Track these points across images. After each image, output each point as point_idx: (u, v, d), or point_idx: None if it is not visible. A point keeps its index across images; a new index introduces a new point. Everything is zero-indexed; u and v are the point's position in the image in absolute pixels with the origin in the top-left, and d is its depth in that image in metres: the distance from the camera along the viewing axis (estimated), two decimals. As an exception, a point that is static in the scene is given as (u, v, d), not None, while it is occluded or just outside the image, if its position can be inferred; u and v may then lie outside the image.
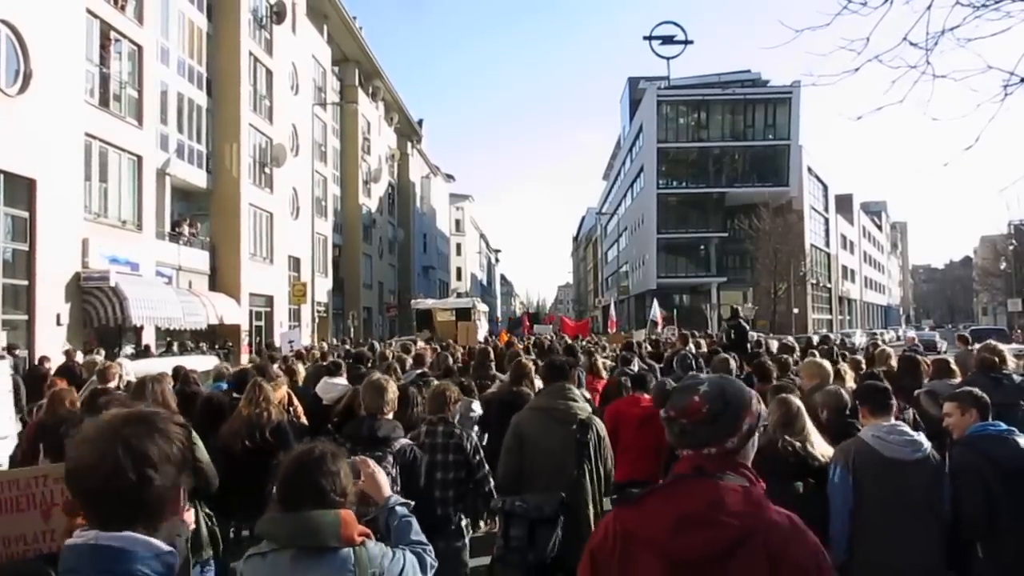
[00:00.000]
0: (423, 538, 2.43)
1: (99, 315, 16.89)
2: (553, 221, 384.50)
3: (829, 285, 62.39)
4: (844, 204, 73.49)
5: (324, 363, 9.13)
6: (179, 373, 7.46)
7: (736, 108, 52.64)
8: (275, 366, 8.47)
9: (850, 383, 5.47)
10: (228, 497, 4.31)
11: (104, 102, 18.35)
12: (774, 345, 12.63)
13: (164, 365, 8.79)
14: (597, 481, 4.13)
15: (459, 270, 79.12)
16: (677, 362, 9.28)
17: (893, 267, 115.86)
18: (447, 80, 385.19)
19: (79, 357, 12.43)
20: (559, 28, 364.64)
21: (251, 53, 25.94)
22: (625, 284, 61.06)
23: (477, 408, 5.93)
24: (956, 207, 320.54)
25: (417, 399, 4.74)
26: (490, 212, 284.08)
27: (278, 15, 28.39)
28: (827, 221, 64.38)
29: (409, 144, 54.67)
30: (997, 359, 5.68)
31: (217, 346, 20.79)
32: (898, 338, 41.82)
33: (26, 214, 15.31)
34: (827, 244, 63.46)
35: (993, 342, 6.35)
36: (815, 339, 18.40)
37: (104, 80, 18.45)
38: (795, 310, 47.47)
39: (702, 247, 54.12)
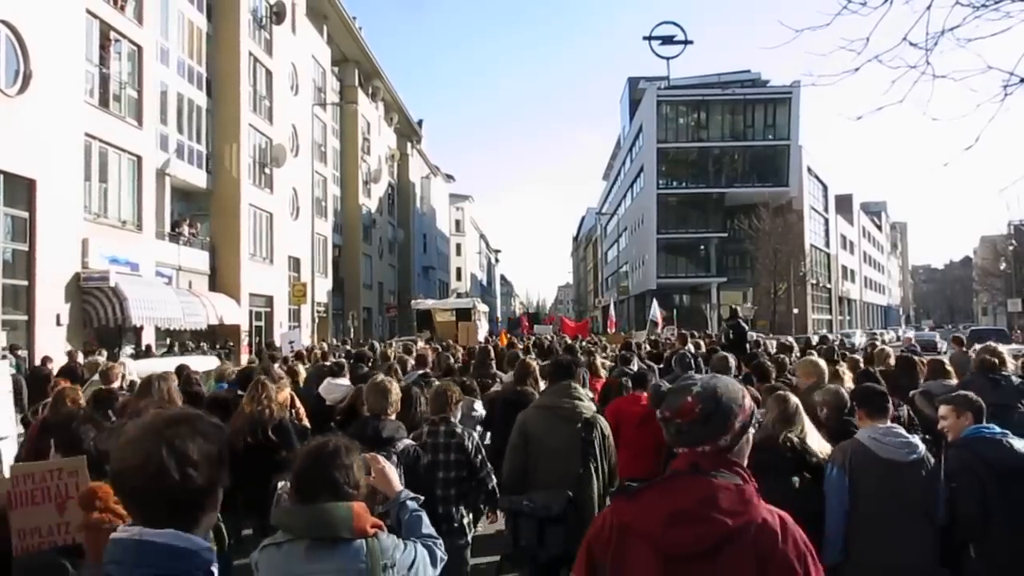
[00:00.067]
0: (433, 531, 2.47)
1: (99, 315, 16.89)
2: (553, 221, 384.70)
3: (829, 285, 62.40)
4: (844, 204, 73.50)
5: (325, 364, 9.18)
6: (181, 373, 7.46)
7: (736, 108, 52.64)
8: (275, 366, 8.48)
9: (848, 383, 5.48)
10: (231, 493, 4.30)
11: (104, 102, 18.35)
12: (772, 345, 12.64)
13: (166, 365, 8.81)
14: (602, 479, 4.17)
15: (459, 270, 79.14)
16: (676, 361, 9.27)
17: (893, 267, 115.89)
18: (447, 80, 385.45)
19: (80, 358, 12.45)
20: (559, 28, 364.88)
21: (251, 53, 25.95)
22: (625, 284, 61.06)
23: (479, 407, 5.95)
24: (956, 207, 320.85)
25: (420, 400, 4.78)
26: (490, 212, 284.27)
27: (278, 15, 28.39)
28: (827, 221, 64.39)
29: (409, 144, 54.67)
30: (997, 360, 5.72)
31: (218, 346, 20.79)
32: (897, 338, 41.81)
33: (26, 214, 15.31)
34: (827, 244, 63.47)
35: (993, 344, 6.40)
36: (814, 339, 18.41)
37: (104, 80, 18.45)
38: (795, 310, 47.48)
39: (702, 247, 54.11)
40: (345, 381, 7.09)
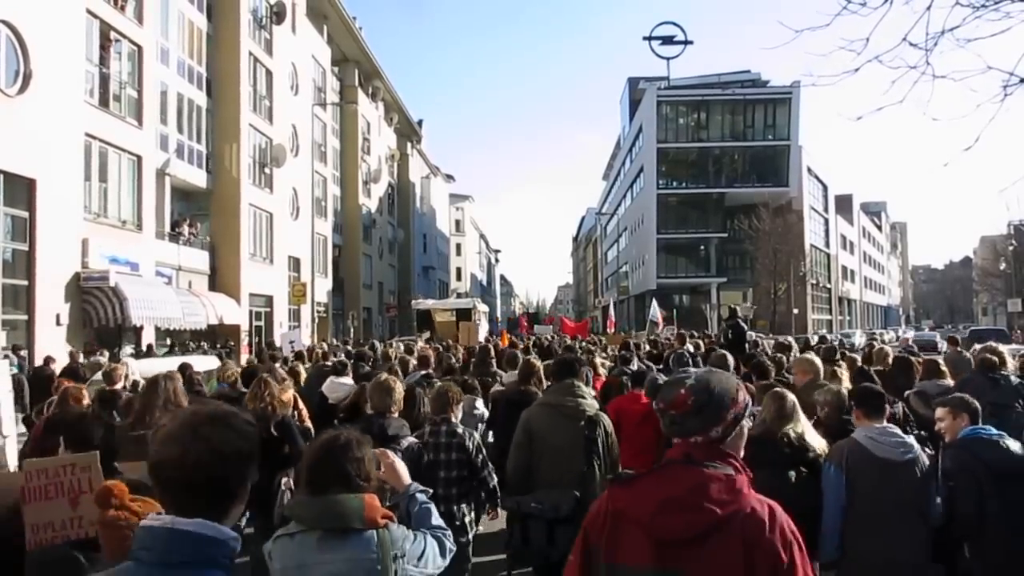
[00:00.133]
0: (442, 523, 2.53)
1: (99, 315, 16.89)
2: (553, 221, 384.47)
3: (829, 285, 62.41)
4: (844, 204, 73.53)
5: (326, 364, 9.24)
6: (184, 372, 7.48)
7: (736, 108, 52.66)
8: (276, 366, 8.50)
9: (846, 383, 5.53)
10: None
11: (104, 102, 18.36)
12: (770, 345, 12.65)
13: (168, 365, 8.82)
14: (605, 476, 4.17)
15: (459, 270, 79.15)
16: (674, 361, 9.30)
17: (893, 267, 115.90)
18: (447, 80, 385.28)
19: (80, 358, 12.49)
20: (559, 28, 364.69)
21: (251, 53, 25.96)
22: (625, 284, 61.05)
23: (480, 405, 6.03)
24: (956, 207, 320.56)
25: (424, 400, 4.84)
26: (490, 212, 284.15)
27: (278, 15, 28.40)
28: (827, 221, 64.41)
29: (409, 144, 54.68)
30: (997, 359, 5.78)
31: (219, 345, 20.79)
32: (896, 339, 41.84)
33: (26, 214, 15.32)
34: (827, 244, 63.49)
35: (993, 343, 6.44)
36: (813, 340, 18.38)
37: (104, 80, 18.46)
38: (795, 310, 47.49)
39: (702, 247, 54.13)
40: (348, 380, 7.17)
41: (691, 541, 1.65)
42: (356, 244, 39.89)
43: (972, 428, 3.68)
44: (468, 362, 9.93)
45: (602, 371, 8.43)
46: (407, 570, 2.18)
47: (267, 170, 27.54)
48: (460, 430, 4.29)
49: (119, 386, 6.11)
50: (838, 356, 8.45)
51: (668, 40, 57.02)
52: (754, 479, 1.80)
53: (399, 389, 4.18)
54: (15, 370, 11.33)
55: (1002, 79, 3.96)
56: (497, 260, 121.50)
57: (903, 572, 3.44)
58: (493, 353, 9.15)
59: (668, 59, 56.35)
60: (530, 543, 3.83)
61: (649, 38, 57.23)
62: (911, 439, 3.63)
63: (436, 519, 2.51)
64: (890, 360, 7.49)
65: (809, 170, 57.40)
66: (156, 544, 1.37)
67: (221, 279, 24.23)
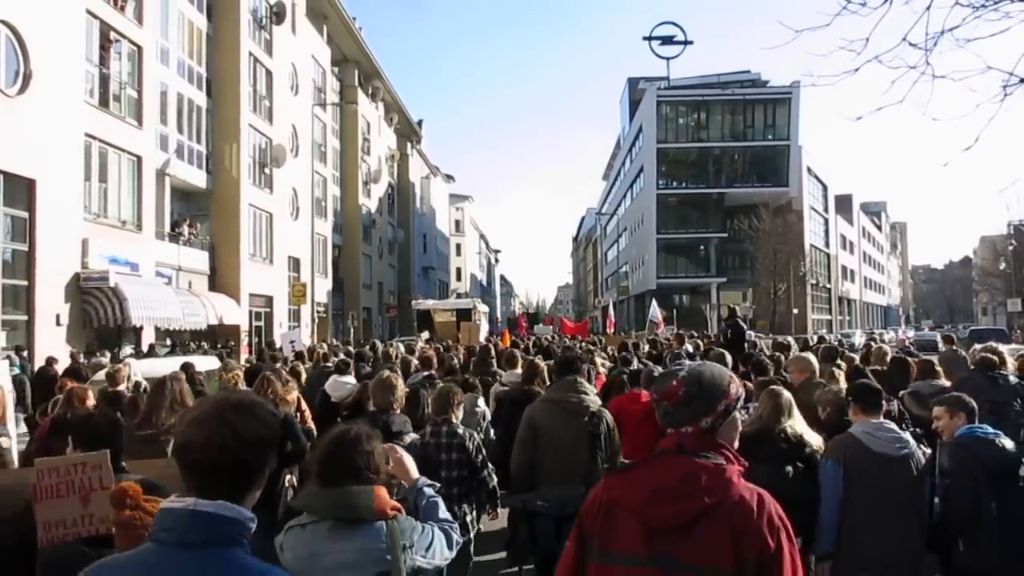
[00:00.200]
0: (449, 516, 2.59)
1: (99, 315, 16.89)
2: (553, 221, 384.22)
3: (829, 285, 62.41)
4: (844, 204, 73.52)
5: (327, 365, 9.31)
6: (186, 372, 7.51)
7: (736, 108, 52.67)
8: (276, 366, 8.52)
9: (842, 382, 5.58)
10: None
11: (104, 102, 18.36)
12: (768, 346, 12.68)
13: (170, 365, 8.85)
14: (603, 467, 4.20)
15: (459, 270, 79.16)
16: (671, 360, 9.29)
17: (893, 267, 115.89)
18: (447, 80, 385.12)
19: (81, 358, 12.50)
20: (559, 28, 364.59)
21: (251, 53, 25.96)
22: (625, 284, 61.04)
23: (481, 404, 6.11)
24: (956, 207, 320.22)
25: (427, 400, 4.91)
26: (490, 212, 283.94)
27: (278, 15, 28.40)
28: (827, 221, 64.40)
29: (409, 144, 54.69)
30: (997, 359, 5.87)
31: (219, 345, 20.78)
32: (895, 339, 41.85)
33: (26, 214, 15.32)
34: (827, 244, 63.48)
35: (993, 343, 6.51)
36: (813, 340, 18.35)
37: (104, 80, 18.46)
38: (795, 310, 47.49)
39: (702, 247, 54.13)
40: (351, 379, 7.28)
41: (681, 528, 1.70)
42: (356, 244, 39.90)
43: (969, 427, 3.76)
44: (468, 362, 10.00)
45: (602, 371, 8.44)
46: (415, 560, 2.23)
47: (267, 170, 27.54)
48: (461, 430, 4.34)
49: (122, 387, 6.13)
50: (839, 358, 8.50)
51: (668, 40, 57.03)
52: (752, 474, 1.84)
53: (400, 386, 4.26)
54: (17, 371, 11.35)
55: (1002, 79, 3.97)
56: (497, 260, 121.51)
57: (898, 565, 3.52)
58: (493, 353, 9.21)
59: (668, 59, 56.41)
60: (538, 541, 3.86)
61: (649, 38, 57.25)
62: (907, 435, 3.72)
63: (443, 512, 2.56)
64: (888, 359, 7.57)
65: (809, 170, 57.40)
66: (177, 525, 1.42)
67: (221, 279, 24.24)
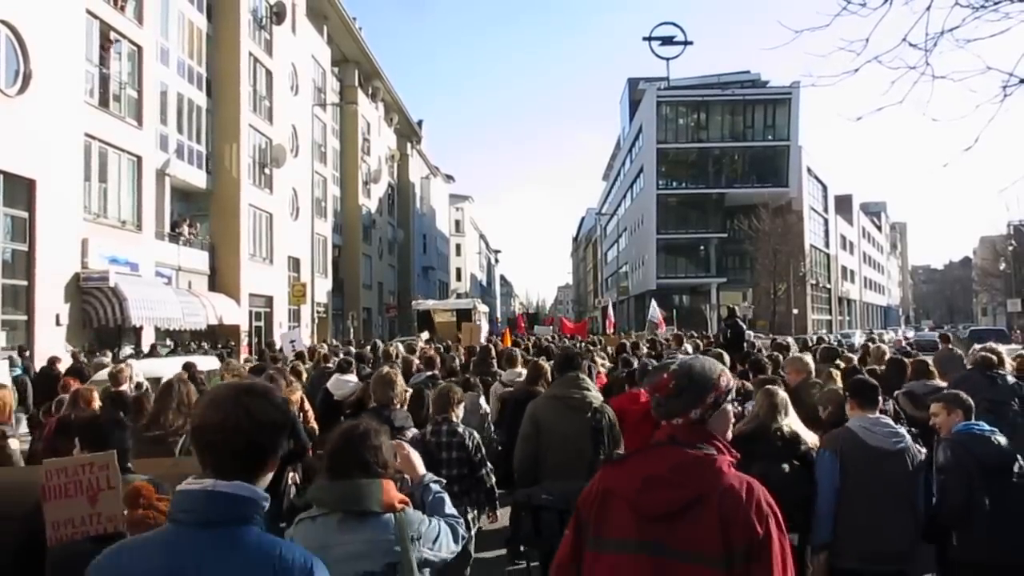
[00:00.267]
0: (455, 512, 2.65)
1: (99, 315, 16.90)
2: (553, 221, 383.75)
3: (829, 286, 62.41)
4: (843, 204, 73.53)
5: (327, 366, 9.40)
6: (188, 372, 7.55)
7: (736, 109, 52.68)
8: (278, 365, 8.55)
9: (838, 382, 5.63)
10: None
11: (104, 102, 18.36)
12: (766, 346, 12.70)
13: (171, 365, 8.92)
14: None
15: (459, 271, 79.17)
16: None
17: (893, 268, 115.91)
18: (447, 80, 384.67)
19: (82, 358, 12.51)
20: (559, 28, 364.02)
21: (251, 54, 25.96)
22: (625, 285, 61.03)
23: (483, 403, 6.23)
24: (956, 208, 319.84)
25: (430, 399, 4.94)
26: (490, 213, 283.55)
27: (278, 16, 28.41)
28: (826, 222, 64.40)
29: (409, 145, 54.70)
30: (995, 358, 5.92)
31: (220, 345, 20.79)
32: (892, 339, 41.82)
33: (26, 214, 15.32)
34: (826, 245, 63.48)
35: (992, 343, 6.56)
36: (812, 340, 18.34)
37: (104, 80, 18.47)
38: (795, 311, 47.49)
39: (702, 248, 54.14)
40: (353, 377, 7.41)
41: (672, 516, 1.77)
42: (356, 244, 39.90)
43: (966, 423, 3.83)
44: (469, 362, 10.05)
45: (602, 371, 8.45)
46: (422, 553, 2.29)
47: (267, 170, 27.54)
48: (461, 429, 4.41)
49: (124, 387, 6.17)
50: (838, 360, 8.52)
51: (668, 40, 57.07)
52: (748, 472, 1.89)
53: (400, 382, 4.34)
54: (19, 371, 11.35)
55: (1001, 79, 3.97)
56: (497, 260, 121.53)
57: (892, 557, 3.60)
58: (493, 353, 9.27)
59: (668, 59, 56.45)
60: (542, 534, 3.93)
61: (649, 38, 57.28)
62: (902, 429, 3.83)
63: (449, 508, 2.62)
64: (886, 359, 7.64)
65: (809, 170, 57.40)
66: (196, 506, 1.47)
67: (221, 279, 24.24)
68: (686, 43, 56.99)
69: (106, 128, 18.19)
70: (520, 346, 13.17)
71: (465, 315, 28.02)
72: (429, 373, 7.75)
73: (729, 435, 1.94)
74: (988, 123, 4.25)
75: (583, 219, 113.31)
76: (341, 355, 9.78)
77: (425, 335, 23.57)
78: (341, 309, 37.06)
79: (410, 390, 5.09)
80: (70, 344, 15.80)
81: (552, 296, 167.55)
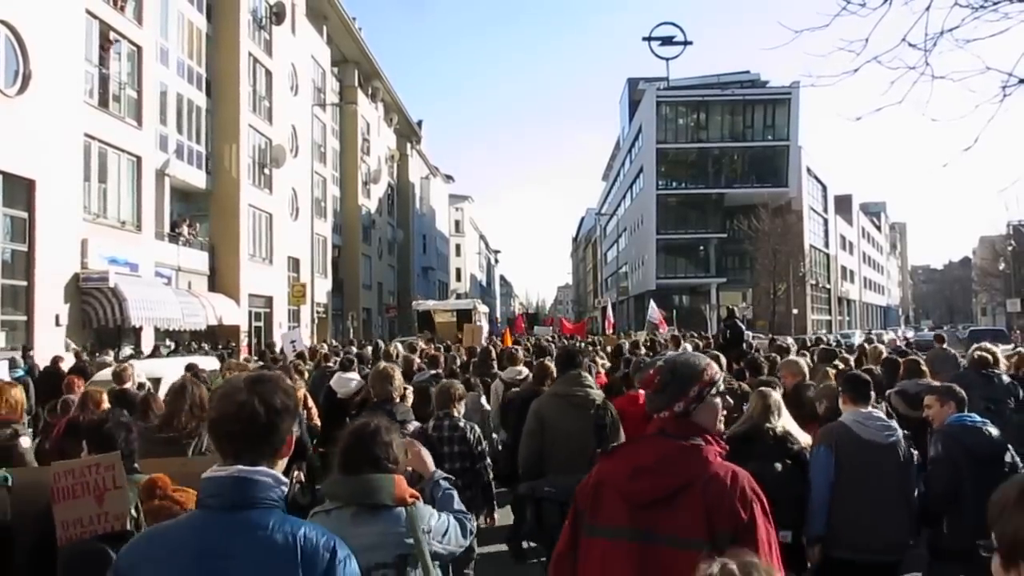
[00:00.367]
0: (464, 508, 2.75)
1: (98, 316, 16.90)
2: (553, 221, 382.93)
3: (828, 286, 62.40)
4: (843, 205, 73.51)
5: (328, 366, 9.46)
6: (193, 372, 7.60)
7: (735, 109, 52.65)
8: (279, 365, 8.60)
9: (833, 382, 5.69)
10: None
11: (103, 103, 18.37)
12: (764, 347, 12.71)
13: (173, 365, 8.95)
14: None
15: (458, 271, 79.16)
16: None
17: (892, 268, 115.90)
18: (447, 80, 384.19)
19: (84, 356, 12.53)
20: (559, 28, 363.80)
21: (250, 54, 25.97)
22: (624, 285, 61.03)
23: (484, 402, 6.39)
24: (955, 208, 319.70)
25: (434, 397, 5.04)
26: (490, 212, 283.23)
27: (277, 16, 28.41)
28: (826, 222, 64.38)
29: (408, 145, 54.70)
30: (991, 357, 5.99)
31: (220, 346, 20.79)
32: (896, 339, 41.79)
33: (25, 214, 15.33)
34: (826, 245, 63.46)
35: (988, 343, 6.64)
36: (810, 341, 18.33)
37: (103, 81, 18.47)
38: (794, 311, 47.46)
39: (701, 248, 54.11)
40: (355, 375, 7.51)
41: (660, 503, 1.86)
42: (355, 244, 39.90)
43: (958, 415, 3.90)
44: (468, 361, 10.12)
45: (601, 371, 8.46)
46: (432, 545, 2.37)
47: (267, 171, 27.55)
48: (462, 423, 4.53)
49: (128, 385, 6.25)
50: (836, 360, 8.54)
51: (667, 41, 57.01)
52: (722, 449, 1.98)
53: (398, 376, 4.42)
54: (21, 372, 11.35)
55: (1001, 80, 3.98)
56: (497, 261, 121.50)
57: (885, 548, 3.66)
58: (493, 354, 9.34)
59: (668, 59, 56.37)
60: (544, 525, 3.99)
61: (649, 38, 57.23)
62: (894, 422, 3.92)
63: (458, 504, 2.72)
64: (882, 359, 7.67)
65: (808, 170, 57.38)
66: (222, 491, 1.55)
67: (220, 280, 24.24)
68: (686, 43, 57.00)
69: (106, 128, 18.19)
70: (520, 346, 13.17)
71: (466, 316, 27.99)
72: (433, 372, 7.82)
73: (721, 427, 2.03)
74: (988, 123, 4.25)
75: (583, 219, 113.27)
76: (342, 355, 9.82)
77: (426, 335, 23.56)
78: (341, 309, 37.06)
79: (411, 388, 5.16)
80: (72, 343, 15.80)
81: (552, 296, 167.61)
